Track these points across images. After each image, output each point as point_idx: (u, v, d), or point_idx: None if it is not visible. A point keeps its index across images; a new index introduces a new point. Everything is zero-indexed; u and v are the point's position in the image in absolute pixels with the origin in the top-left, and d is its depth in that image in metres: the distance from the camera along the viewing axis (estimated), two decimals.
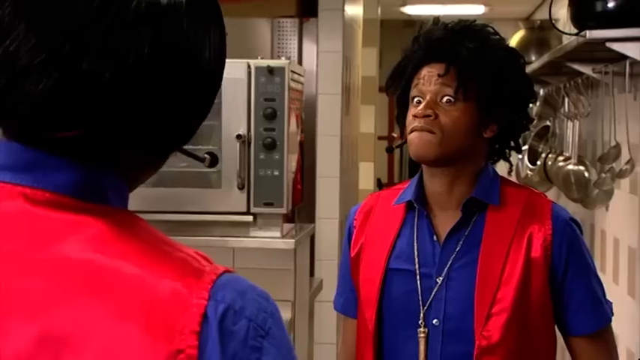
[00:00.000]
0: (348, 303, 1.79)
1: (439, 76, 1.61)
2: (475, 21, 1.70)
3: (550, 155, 4.19)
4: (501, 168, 1.79)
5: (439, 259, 1.63)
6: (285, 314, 2.78)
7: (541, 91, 4.59)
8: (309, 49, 3.78)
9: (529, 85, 1.71)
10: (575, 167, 3.54)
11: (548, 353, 1.66)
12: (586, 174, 3.46)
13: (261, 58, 2.69)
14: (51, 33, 0.72)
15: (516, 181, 4.50)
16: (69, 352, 0.68)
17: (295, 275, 2.81)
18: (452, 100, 1.61)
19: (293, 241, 2.69)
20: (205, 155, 1.01)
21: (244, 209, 2.63)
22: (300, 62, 3.72)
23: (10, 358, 0.69)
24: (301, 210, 3.55)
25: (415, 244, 1.66)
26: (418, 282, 1.63)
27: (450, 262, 1.63)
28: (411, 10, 6.97)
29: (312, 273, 3.51)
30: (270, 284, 2.76)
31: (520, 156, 4.77)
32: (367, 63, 5.41)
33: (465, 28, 1.67)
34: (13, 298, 0.70)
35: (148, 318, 0.69)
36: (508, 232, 1.62)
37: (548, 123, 4.47)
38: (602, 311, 1.68)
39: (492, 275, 1.59)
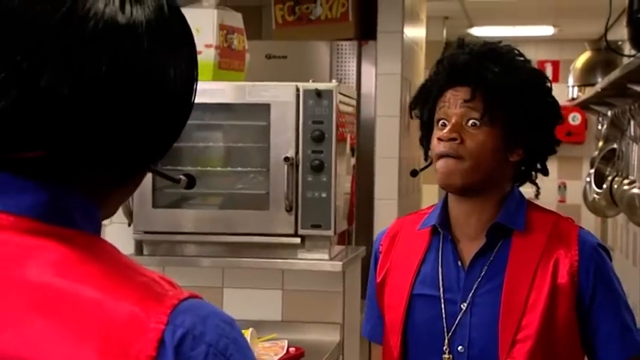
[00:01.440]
0: (375, 329, 1.77)
1: (465, 101, 1.60)
2: (500, 42, 1.68)
3: (616, 178, 4.08)
4: (529, 191, 1.76)
5: (464, 284, 1.61)
6: (334, 337, 2.77)
7: (608, 113, 4.49)
8: (368, 71, 3.79)
9: (555, 106, 1.67)
10: None
11: None
12: None
13: (313, 81, 2.70)
14: (8, 51, 0.73)
15: (572, 209, 4.38)
16: None
17: (344, 297, 2.80)
18: (477, 123, 1.59)
19: (341, 263, 2.68)
20: (181, 176, 1.00)
21: (292, 231, 2.64)
22: (358, 84, 3.72)
23: None
24: (359, 232, 3.54)
25: (440, 269, 1.64)
26: (443, 308, 1.61)
27: (474, 288, 1.60)
28: (478, 31, 6.91)
29: (364, 295, 3.50)
30: (319, 306, 2.76)
31: (588, 179, 4.66)
32: None
33: (490, 51, 1.64)
34: None
35: (104, 342, 0.69)
36: (534, 257, 1.59)
37: (615, 146, 4.36)
38: (631, 339, 1.63)
39: (517, 301, 1.56)
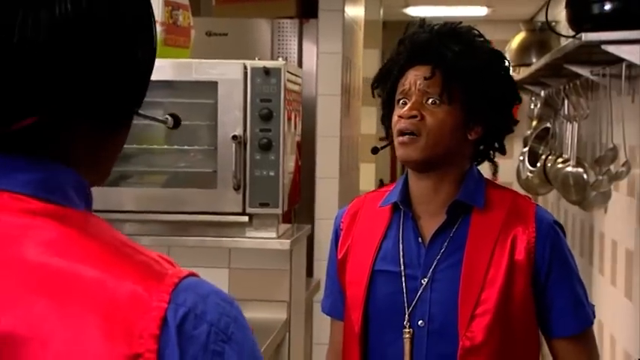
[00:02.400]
0: (335, 305, 1.79)
1: (425, 78, 1.62)
2: (461, 23, 1.71)
3: (550, 157, 4.18)
4: (486, 170, 1.80)
5: (424, 260, 1.64)
6: (281, 315, 2.78)
7: (542, 93, 4.59)
8: (309, 50, 3.79)
9: (513, 87, 1.72)
10: (574, 169, 3.54)
11: (531, 355, 1.66)
12: (584, 176, 3.46)
13: (259, 59, 2.69)
14: None
15: (516, 184, 4.50)
16: (26, 353, 0.68)
17: (291, 276, 2.82)
18: (436, 101, 1.62)
19: (289, 241, 2.70)
20: (167, 116, 1.02)
21: (240, 210, 2.64)
22: (300, 63, 3.72)
23: None
24: (300, 211, 3.55)
25: (400, 245, 1.67)
26: (403, 283, 1.64)
27: (434, 264, 1.63)
28: (413, 11, 6.97)
29: (310, 274, 3.52)
30: (266, 285, 2.77)
31: (521, 158, 4.76)
32: (369, 64, 5.40)
33: (450, 30, 1.68)
34: None
35: (107, 321, 0.69)
36: (492, 234, 1.63)
37: (548, 125, 4.46)
38: (584, 313, 1.69)
39: (476, 277, 1.60)
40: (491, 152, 1.73)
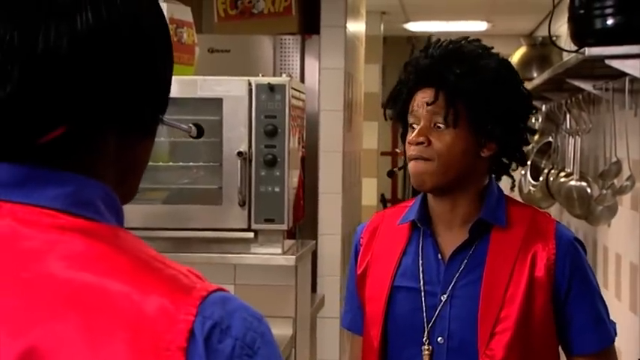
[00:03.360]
0: (355, 320, 1.78)
1: (427, 104, 1.62)
2: (467, 38, 1.70)
3: (552, 171, 4.18)
4: (504, 184, 1.79)
5: (443, 277, 1.64)
6: (286, 331, 2.78)
7: (543, 108, 4.60)
8: (311, 65, 3.80)
9: (525, 98, 1.69)
10: (577, 183, 3.54)
11: None
12: (588, 190, 3.46)
13: (262, 76, 2.70)
14: None
15: (519, 198, 4.49)
16: None
17: (296, 291, 2.82)
18: (441, 126, 1.61)
19: (294, 257, 2.70)
20: (190, 125, 1.02)
21: (245, 226, 2.64)
22: (302, 79, 3.74)
23: None
24: (304, 226, 3.56)
25: (420, 261, 1.66)
26: (423, 300, 1.63)
27: (454, 281, 1.63)
28: (413, 26, 7.00)
29: (314, 289, 3.51)
30: (272, 301, 2.77)
31: (523, 172, 4.77)
32: (370, 79, 5.42)
33: (452, 52, 1.66)
34: None
35: (134, 334, 0.69)
36: (512, 251, 1.62)
37: (550, 139, 4.47)
38: (605, 331, 1.67)
39: (496, 294, 1.59)
40: (511, 164, 1.70)
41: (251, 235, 2.65)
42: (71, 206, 0.75)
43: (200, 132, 1.00)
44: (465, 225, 1.65)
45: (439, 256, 1.65)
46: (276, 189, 2.62)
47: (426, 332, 1.61)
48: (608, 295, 3.63)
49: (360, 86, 4.52)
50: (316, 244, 3.53)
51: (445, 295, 1.62)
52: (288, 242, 2.84)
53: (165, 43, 0.83)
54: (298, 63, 3.79)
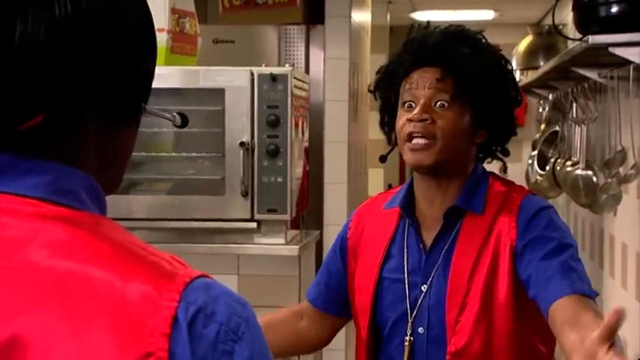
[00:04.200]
0: (318, 295, 1.78)
1: (437, 80, 1.60)
2: (464, 27, 1.70)
3: (559, 160, 4.17)
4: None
5: (424, 267, 1.63)
6: None
7: (550, 96, 4.58)
8: (316, 55, 3.79)
9: (516, 89, 1.70)
10: (583, 172, 3.52)
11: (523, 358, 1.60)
12: (594, 179, 3.44)
13: (265, 66, 2.70)
14: None
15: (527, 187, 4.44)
16: (35, 357, 0.69)
17: (300, 281, 2.82)
18: (445, 104, 1.60)
19: (297, 247, 2.70)
20: (174, 114, 1.02)
21: (248, 216, 2.64)
22: (307, 69, 3.73)
23: None
24: (309, 217, 3.56)
25: (405, 251, 1.65)
26: (407, 291, 1.63)
27: (434, 271, 1.62)
28: (420, 16, 6.96)
29: None
30: (275, 290, 2.77)
31: (530, 161, 4.75)
32: (376, 69, 5.41)
33: (458, 32, 1.66)
34: None
35: (117, 321, 0.69)
36: (480, 236, 1.59)
37: (557, 128, 4.45)
38: (578, 279, 1.50)
39: (461, 282, 1.57)
40: (498, 153, 1.71)
41: (254, 225, 2.65)
42: (52, 194, 0.75)
43: (184, 121, 1.00)
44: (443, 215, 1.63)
45: (421, 245, 1.64)
46: (279, 179, 2.62)
47: (409, 323, 1.61)
48: (614, 284, 3.62)
49: (365, 76, 4.50)
50: (321, 234, 3.53)
51: (425, 286, 1.61)
52: (292, 232, 2.84)
53: (147, 33, 0.83)
54: (303, 53, 3.78)
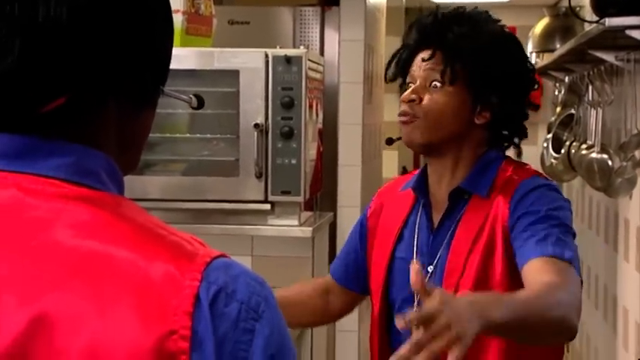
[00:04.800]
0: (339, 270, 1.82)
1: (423, 60, 1.63)
2: (476, 8, 1.70)
3: (574, 143, 4.15)
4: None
5: (430, 248, 1.64)
6: None
7: (566, 79, 4.55)
8: (331, 37, 3.79)
9: (526, 71, 1.68)
10: (599, 155, 3.51)
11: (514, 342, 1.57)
12: (609, 162, 3.43)
13: (280, 47, 2.70)
14: None
15: (541, 171, 4.44)
16: (61, 335, 0.70)
17: (313, 263, 2.83)
18: (438, 84, 1.62)
19: (310, 229, 2.71)
20: (191, 96, 1.04)
21: (262, 198, 2.65)
22: (321, 51, 3.73)
23: (5, 340, 0.71)
24: (323, 198, 3.56)
25: (416, 232, 1.67)
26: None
27: (439, 252, 1.63)
28: None
29: (332, 261, 3.53)
30: (289, 272, 2.79)
31: (545, 144, 4.73)
32: (391, 51, 5.38)
33: (454, 14, 1.67)
34: (7, 283, 0.72)
35: (140, 300, 0.70)
36: (480, 218, 1.59)
37: (572, 111, 4.43)
38: (548, 243, 1.47)
39: (458, 264, 1.59)
40: (512, 137, 1.70)
41: (268, 206, 2.66)
42: (74, 175, 0.76)
43: (200, 103, 1.01)
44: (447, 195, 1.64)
45: (429, 226, 1.65)
46: (293, 161, 2.63)
47: (415, 304, 1.61)
48: (628, 267, 3.61)
49: (380, 58, 4.49)
50: (335, 216, 3.54)
51: (431, 267, 1.63)
52: (306, 214, 2.85)
53: (165, 13, 0.84)
54: (318, 35, 3.77)
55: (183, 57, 2.61)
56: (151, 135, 0.89)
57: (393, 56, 1.73)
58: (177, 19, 2.70)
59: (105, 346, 0.69)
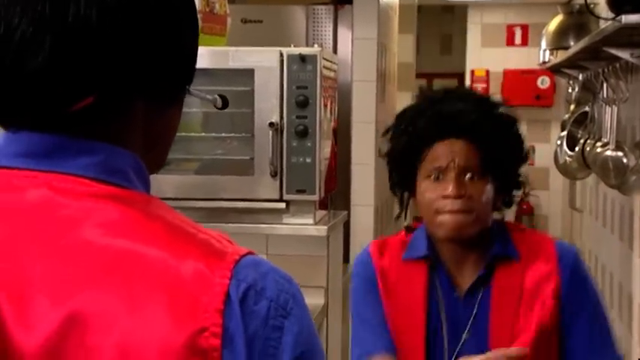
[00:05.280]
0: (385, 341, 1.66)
1: (466, 152, 1.58)
2: (459, 87, 1.70)
3: (589, 141, 4.13)
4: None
5: (461, 315, 1.62)
6: (318, 300, 2.80)
7: (580, 77, 4.54)
8: (344, 36, 3.78)
9: (525, 149, 1.72)
10: (613, 153, 3.49)
11: None
12: (624, 160, 3.41)
13: (294, 46, 2.70)
14: (28, 4, 0.75)
15: (554, 169, 4.40)
16: (94, 333, 0.70)
17: (328, 262, 2.83)
18: (475, 177, 1.59)
19: (325, 227, 2.71)
20: (215, 96, 1.04)
21: (277, 196, 2.65)
22: (334, 49, 3.72)
23: (39, 339, 0.71)
24: (336, 197, 3.57)
25: (440, 300, 1.64)
26: (445, 339, 1.62)
27: (471, 318, 1.62)
28: None
29: (346, 259, 3.53)
30: (304, 271, 2.79)
31: (559, 142, 4.72)
32: (404, 49, 5.37)
33: (477, 101, 1.65)
34: (40, 282, 0.73)
35: (172, 298, 0.71)
36: (516, 282, 1.61)
37: (586, 109, 4.41)
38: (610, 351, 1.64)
39: (505, 332, 1.59)
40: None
41: (283, 205, 2.66)
42: (103, 174, 0.77)
43: (225, 103, 1.01)
44: (478, 261, 1.64)
45: (455, 293, 1.63)
46: (308, 160, 2.63)
47: None
48: None
49: (393, 56, 4.49)
50: (349, 214, 3.54)
51: (464, 334, 1.61)
52: (320, 213, 2.85)
53: (191, 13, 0.84)
54: (331, 33, 3.78)
55: (198, 56, 2.61)
56: None
57: (404, 147, 1.64)
58: None
59: (137, 343, 0.70)
